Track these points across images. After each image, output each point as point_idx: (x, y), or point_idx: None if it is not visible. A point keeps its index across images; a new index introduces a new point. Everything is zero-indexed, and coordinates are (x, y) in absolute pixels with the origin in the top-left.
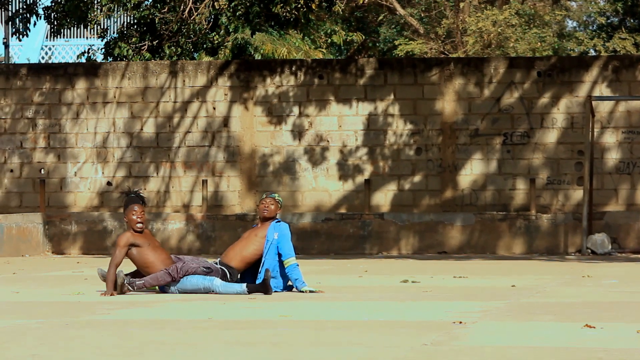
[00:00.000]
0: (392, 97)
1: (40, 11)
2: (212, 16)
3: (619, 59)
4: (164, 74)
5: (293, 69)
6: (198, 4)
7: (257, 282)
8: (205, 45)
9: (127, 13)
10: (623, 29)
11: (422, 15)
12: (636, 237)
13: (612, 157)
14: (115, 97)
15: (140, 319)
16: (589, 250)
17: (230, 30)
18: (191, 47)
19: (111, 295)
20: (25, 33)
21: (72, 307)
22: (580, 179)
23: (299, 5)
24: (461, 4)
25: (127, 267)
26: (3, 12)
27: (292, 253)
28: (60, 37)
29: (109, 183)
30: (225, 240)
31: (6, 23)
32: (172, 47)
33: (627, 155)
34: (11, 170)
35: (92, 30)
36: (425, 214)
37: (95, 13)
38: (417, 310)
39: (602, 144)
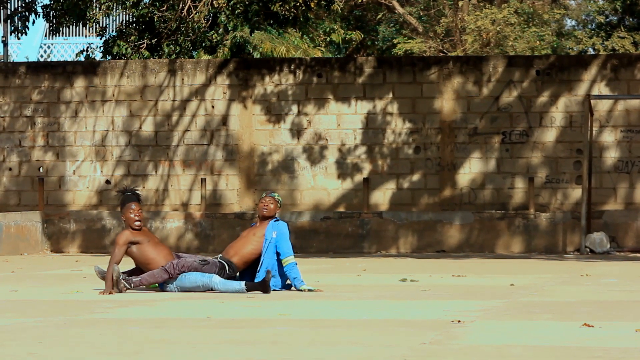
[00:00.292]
0: (390, 95)
1: (39, 9)
2: (211, 14)
3: (617, 58)
4: (162, 73)
5: (292, 67)
6: (197, 2)
7: (256, 280)
8: (204, 44)
9: (126, 11)
10: (622, 27)
11: (421, 13)
12: (635, 236)
13: (611, 156)
14: (114, 95)
15: (139, 318)
16: (588, 249)
17: (229, 28)
18: (190, 45)
19: (110, 293)
20: (24, 31)
21: (71, 306)
22: (579, 178)
23: (298, 4)
24: (460, 3)
25: (127, 266)
26: (2, 10)
27: (291, 252)
28: (59, 36)
29: (107, 181)
30: (224, 238)
31: (5, 21)
32: (171, 46)
33: (626, 154)
34: (10, 169)
35: (90, 28)
36: (424, 213)
37: (94, 11)
38: (415, 309)
39: (601, 143)
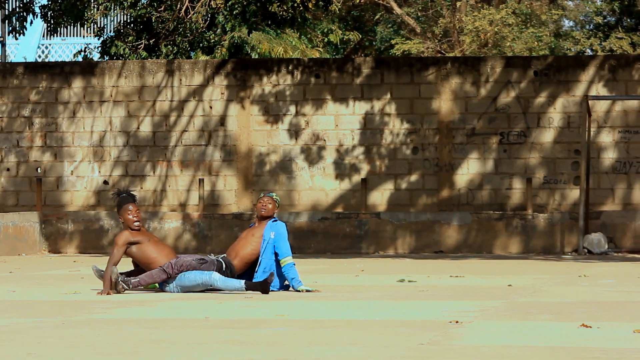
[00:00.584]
0: (388, 96)
1: (37, 9)
2: (209, 15)
3: (615, 59)
4: (160, 73)
5: (290, 68)
6: (195, 2)
7: (254, 281)
8: (201, 44)
9: (123, 12)
10: (620, 28)
11: (419, 14)
12: (632, 236)
13: (609, 157)
14: (111, 96)
15: (137, 318)
16: (586, 250)
17: (227, 29)
18: (188, 46)
19: (108, 294)
20: (21, 31)
21: (69, 306)
22: (576, 179)
23: (296, 4)
24: (458, 3)
25: (127, 266)
26: (0, 11)
27: (289, 252)
28: (56, 36)
29: (105, 182)
30: (221, 239)
31: (3, 21)
32: (169, 46)
33: (624, 155)
34: (8, 169)
35: (88, 28)
36: (422, 213)
37: (92, 12)
38: (413, 309)
39: (599, 144)
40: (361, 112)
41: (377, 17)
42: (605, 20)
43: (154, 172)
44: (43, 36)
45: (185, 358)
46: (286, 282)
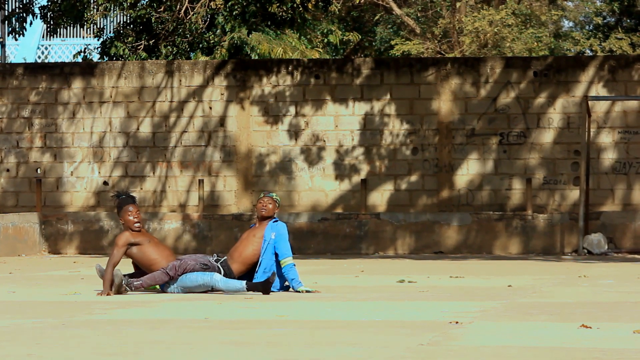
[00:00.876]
0: (388, 96)
1: (37, 10)
2: (209, 16)
3: (615, 59)
4: (160, 74)
5: (289, 68)
6: (194, 3)
7: (254, 281)
8: (201, 45)
9: (123, 12)
10: (619, 28)
11: (419, 15)
12: (632, 237)
13: (609, 157)
14: (111, 96)
15: (137, 319)
16: (585, 250)
17: (227, 29)
18: (187, 46)
19: (108, 295)
20: (21, 32)
21: (69, 307)
22: (576, 179)
23: (295, 5)
24: (457, 4)
25: (126, 267)
26: None
27: (289, 253)
28: (56, 37)
29: (105, 183)
30: (221, 240)
31: (2, 22)
32: (169, 47)
33: (624, 155)
34: (7, 170)
35: (88, 29)
36: (422, 214)
37: (92, 12)
38: (413, 310)
39: (599, 144)
40: (361, 112)
41: (376, 17)
42: (605, 21)
43: (153, 173)
44: (43, 37)
45: (185, 358)
46: (286, 283)
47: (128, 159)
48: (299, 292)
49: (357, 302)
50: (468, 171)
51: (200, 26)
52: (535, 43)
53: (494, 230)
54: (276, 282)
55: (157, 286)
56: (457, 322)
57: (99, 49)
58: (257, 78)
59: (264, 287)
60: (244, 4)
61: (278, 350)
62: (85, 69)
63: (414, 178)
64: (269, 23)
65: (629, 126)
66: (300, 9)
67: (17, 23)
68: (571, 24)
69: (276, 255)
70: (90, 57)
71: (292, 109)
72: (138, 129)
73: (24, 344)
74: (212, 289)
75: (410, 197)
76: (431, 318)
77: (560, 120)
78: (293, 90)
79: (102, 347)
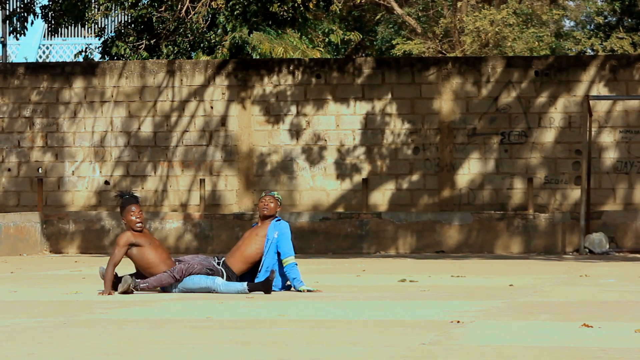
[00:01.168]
0: (389, 96)
1: (38, 10)
2: (210, 15)
3: (616, 59)
4: (161, 73)
5: (290, 68)
6: (195, 3)
7: (256, 281)
8: (202, 45)
9: (124, 12)
10: (620, 28)
11: (420, 14)
12: (634, 236)
13: (610, 157)
14: (112, 96)
15: (138, 318)
16: (587, 250)
17: (228, 29)
18: (188, 46)
19: (109, 294)
20: (22, 32)
21: (70, 306)
22: (577, 179)
23: (297, 5)
24: (459, 4)
25: (126, 266)
26: (0, 11)
27: (291, 252)
28: (57, 36)
29: (106, 182)
30: (222, 239)
31: (3, 22)
32: (170, 46)
33: (625, 155)
34: (9, 169)
35: (89, 29)
36: (423, 213)
37: (93, 12)
38: (414, 309)
39: (600, 144)
40: (362, 112)
41: (378, 17)
42: (606, 20)
43: (155, 173)
44: (44, 36)
45: (187, 358)
46: (288, 282)
47: (129, 158)
48: (300, 291)
49: (358, 302)
50: (469, 170)
51: (202, 26)
52: (537, 42)
53: (496, 229)
54: (278, 282)
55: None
56: (458, 322)
57: (100, 49)
58: (259, 78)
59: (265, 286)
60: (245, 3)
61: (279, 349)
62: (86, 68)
63: (415, 177)
64: (270, 22)
65: (630, 125)
66: (302, 8)
67: (18, 22)
68: (572, 23)
69: (278, 254)
70: (92, 56)
71: (293, 109)
72: (139, 128)
73: (25, 343)
74: (214, 291)
75: (411, 196)
76: (432, 317)
77: (561, 119)
78: (294, 89)
79: (103, 347)
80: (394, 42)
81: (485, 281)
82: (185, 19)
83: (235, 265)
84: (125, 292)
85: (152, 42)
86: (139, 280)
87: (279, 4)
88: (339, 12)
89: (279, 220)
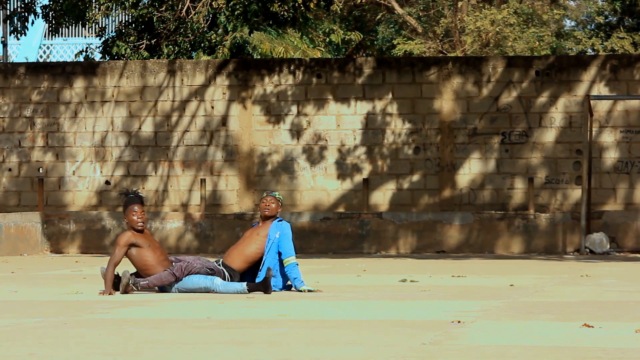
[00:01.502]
0: (390, 96)
1: (38, 10)
2: (210, 15)
3: (617, 58)
4: (162, 73)
5: (291, 68)
6: (196, 2)
7: (257, 281)
8: (203, 44)
9: (125, 12)
10: (621, 28)
11: (421, 14)
12: (634, 236)
13: (611, 157)
14: (113, 96)
15: (138, 318)
16: (588, 250)
17: (229, 29)
18: (189, 46)
19: (110, 294)
20: (23, 32)
21: (71, 306)
22: (578, 178)
23: (297, 4)
24: (459, 3)
25: (127, 266)
26: (1, 11)
27: (292, 252)
28: (58, 36)
29: (107, 182)
30: (223, 239)
31: (4, 22)
32: (170, 46)
33: (626, 155)
34: (9, 169)
35: (90, 29)
36: (424, 213)
37: (94, 12)
38: (415, 309)
39: (601, 143)
40: (363, 112)
41: (378, 17)
42: (607, 20)
43: (155, 172)
44: (44, 36)
45: (187, 358)
46: (288, 282)
47: (130, 158)
48: (301, 291)
49: (359, 302)
50: (470, 170)
51: (202, 25)
52: (537, 42)
53: (496, 229)
54: (279, 281)
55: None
56: (459, 322)
57: (101, 48)
58: (259, 77)
59: (264, 286)
60: (246, 3)
61: (280, 349)
62: (87, 68)
63: (416, 177)
64: (270, 22)
65: (631, 125)
66: (302, 8)
67: (19, 22)
68: (573, 23)
69: (279, 254)
70: (92, 56)
71: (294, 109)
72: (140, 128)
73: (25, 343)
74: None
75: (412, 196)
76: (433, 317)
77: (562, 119)
78: (295, 89)
79: (103, 347)
80: (394, 41)
81: (485, 281)
82: (186, 19)
83: (234, 264)
84: (125, 291)
85: (152, 42)
86: (139, 279)
87: (279, 3)
88: (339, 11)
89: (281, 220)
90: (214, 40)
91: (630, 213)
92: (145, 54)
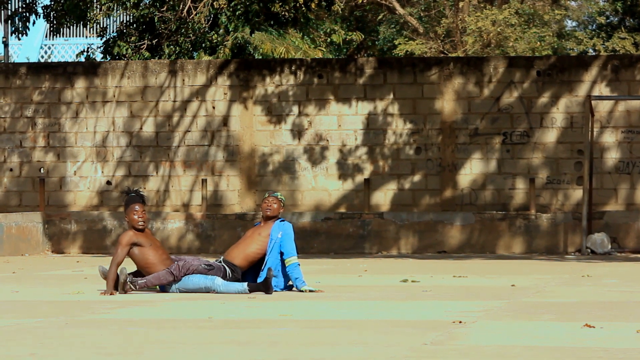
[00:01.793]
0: (391, 96)
1: (40, 10)
2: (212, 15)
3: (618, 59)
4: (163, 73)
5: (292, 68)
6: (197, 2)
7: (259, 280)
8: (204, 45)
9: (126, 12)
10: (622, 28)
11: (422, 14)
12: (636, 236)
13: (612, 157)
14: (114, 96)
15: (140, 318)
16: (589, 250)
17: (230, 29)
18: (190, 46)
19: (111, 294)
20: (24, 32)
21: (72, 306)
22: (579, 179)
23: (298, 5)
24: (460, 4)
25: (128, 266)
26: (2, 11)
27: (294, 252)
28: (59, 36)
29: (108, 182)
30: (224, 239)
31: (5, 22)
32: (171, 46)
33: (627, 155)
34: (11, 169)
35: (91, 29)
36: (425, 214)
37: (95, 12)
38: (416, 309)
39: (602, 144)
40: (364, 112)
41: (379, 17)
42: (608, 21)
43: (157, 173)
44: (46, 36)
45: (189, 358)
46: (290, 282)
47: (131, 158)
48: (302, 291)
49: (360, 302)
50: (471, 171)
51: (203, 26)
52: (539, 43)
53: (497, 229)
54: (280, 282)
55: (157, 286)
56: (460, 322)
57: (102, 49)
58: (260, 78)
59: (265, 287)
60: (247, 3)
61: (281, 349)
62: (88, 68)
63: (417, 178)
64: (272, 22)
65: (632, 126)
66: (303, 8)
67: (20, 22)
68: (574, 23)
69: (281, 254)
70: (93, 56)
71: (295, 109)
72: (141, 128)
73: (26, 343)
74: (214, 292)
75: (413, 196)
76: (434, 317)
77: (563, 119)
78: (296, 89)
79: (105, 347)
80: (395, 42)
81: (487, 281)
82: (187, 19)
83: (235, 261)
84: (123, 289)
85: (154, 42)
86: (137, 278)
87: (280, 4)
88: (340, 12)
89: (283, 221)
90: (215, 41)
91: (632, 213)
92: (147, 54)
